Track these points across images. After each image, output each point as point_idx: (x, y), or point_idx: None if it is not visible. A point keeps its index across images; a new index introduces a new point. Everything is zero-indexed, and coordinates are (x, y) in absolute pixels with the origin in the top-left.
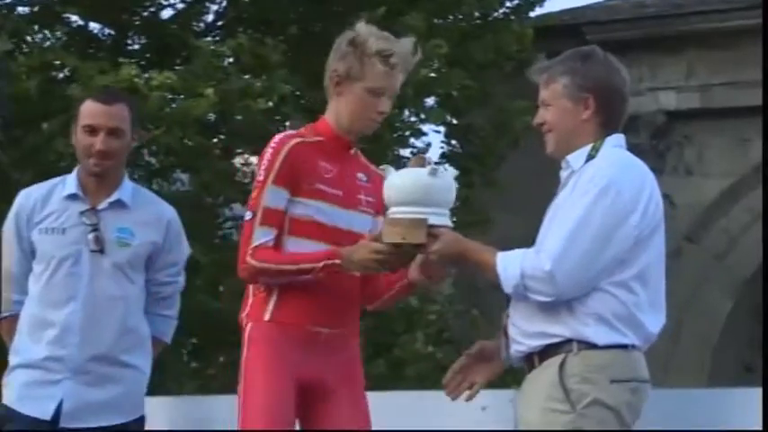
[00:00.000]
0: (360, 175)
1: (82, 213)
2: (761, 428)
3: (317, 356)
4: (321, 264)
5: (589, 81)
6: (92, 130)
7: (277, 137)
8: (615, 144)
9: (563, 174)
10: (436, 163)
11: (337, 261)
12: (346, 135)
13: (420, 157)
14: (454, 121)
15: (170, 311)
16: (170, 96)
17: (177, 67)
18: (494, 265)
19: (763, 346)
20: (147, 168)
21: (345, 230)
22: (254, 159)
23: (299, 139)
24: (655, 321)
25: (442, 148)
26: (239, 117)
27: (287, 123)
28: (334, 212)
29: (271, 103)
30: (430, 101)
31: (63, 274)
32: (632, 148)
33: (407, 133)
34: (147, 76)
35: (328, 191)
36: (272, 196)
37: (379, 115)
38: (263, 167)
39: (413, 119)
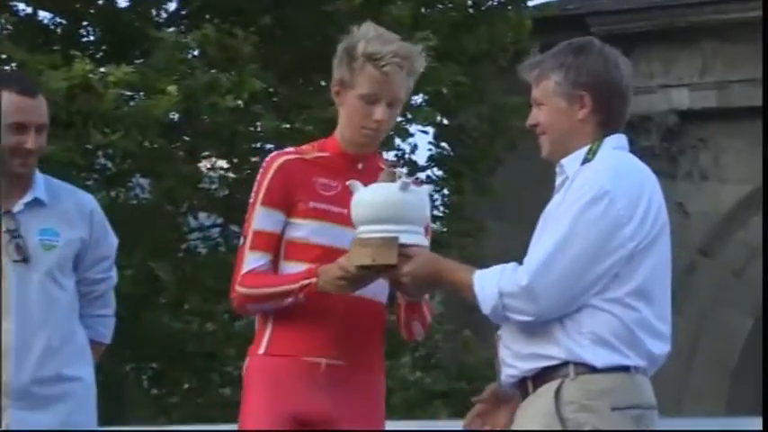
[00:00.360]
0: None
1: None
2: (761, 429)
3: (319, 390)
4: (298, 284)
5: (583, 76)
6: (19, 127)
7: (270, 155)
8: (615, 145)
9: (558, 179)
10: (423, 167)
11: (313, 280)
12: (351, 148)
13: (390, 171)
14: (444, 121)
15: (107, 310)
16: (128, 94)
17: (136, 62)
18: (471, 284)
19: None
20: (103, 173)
21: (347, 250)
22: (221, 163)
23: (291, 156)
24: (660, 341)
25: (430, 150)
26: (205, 116)
27: (258, 123)
28: (336, 232)
29: (240, 101)
30: (417, 98)
31: None
32: (642, 150)
33: (392, 134)
34: (102, 71)
35: (330, 209)
36: (263, 218)
37: (376, 124)
38: (254, 189)
39: (398, 118)
